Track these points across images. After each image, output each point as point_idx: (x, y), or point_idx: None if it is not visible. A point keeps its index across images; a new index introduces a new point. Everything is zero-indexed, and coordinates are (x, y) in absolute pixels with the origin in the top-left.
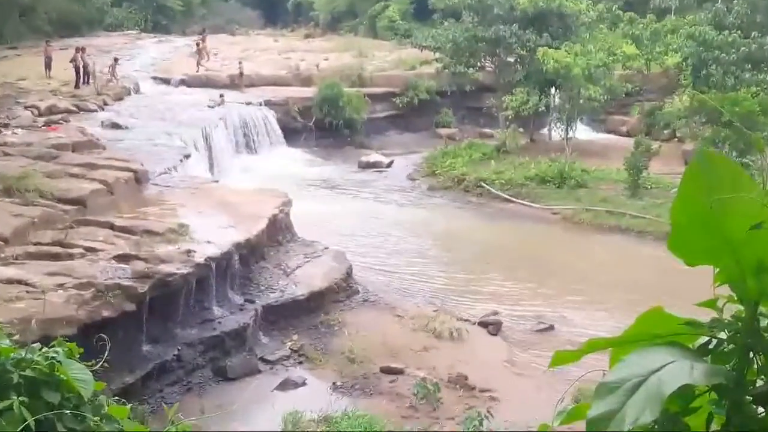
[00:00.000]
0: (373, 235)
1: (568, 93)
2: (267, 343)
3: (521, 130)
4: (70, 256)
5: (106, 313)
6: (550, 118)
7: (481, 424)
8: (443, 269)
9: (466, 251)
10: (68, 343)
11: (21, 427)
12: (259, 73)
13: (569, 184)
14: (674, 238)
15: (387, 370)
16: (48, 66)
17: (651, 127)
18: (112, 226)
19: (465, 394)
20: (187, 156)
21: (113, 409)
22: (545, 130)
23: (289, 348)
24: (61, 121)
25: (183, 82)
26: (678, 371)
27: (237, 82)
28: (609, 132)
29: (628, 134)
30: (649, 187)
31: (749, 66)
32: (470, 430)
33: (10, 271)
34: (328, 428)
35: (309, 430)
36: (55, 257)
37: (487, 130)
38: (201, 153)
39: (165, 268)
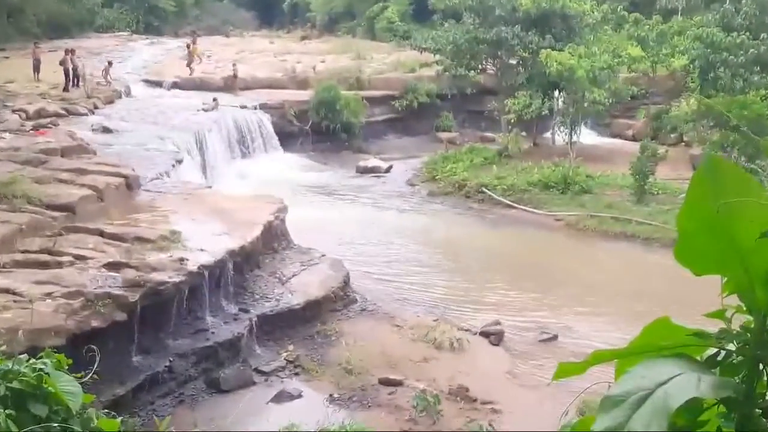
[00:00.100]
0: (371, 243)
1: (572, 96)
2: (262, 354)
3: (524, 134)
4: (59, 264)
5: (95, 323)
6: (553, 122)
7: None
8: (443, 277)
9: (467, 259)
10: (56, 354)
11: None
12: (255, 76)
13: (573, 189)
14: (681, 246)
15: (385, 382)
16: (36, 68)
17: (657, 131)
18: (102, 233)
19: (466, 407)
20: (180, 161)
21: (103, 423)
22: (548, 134)
23: (285, 359)
24: (49, 125)
25: (176, 85)
26: (685, 384)
27: (231, 85)
28: (614, 136)
29: (633, 138)
30: (655, 192)
31: (758, 68)
32: None
33: None
34: None
35: None
36: (44, 265)
37: (488, 134)
38: (194, 158)
39: (157, 276)
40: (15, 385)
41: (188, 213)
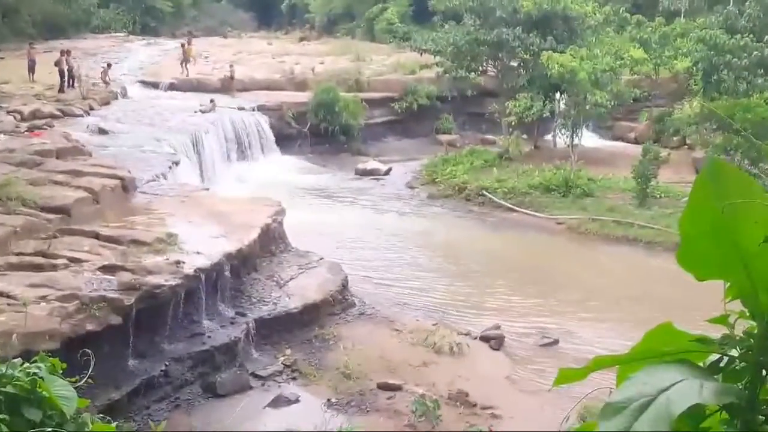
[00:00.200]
0: (370, 246)
1: (574, 98)
2: (259, 358)
3: (525, 136)
4: (54, 267)
5: (90, 327)
6: (554, 125)
7: None
8: (443, 281)
9: (467, 262)
10: (51, 358)
11: None
12: (252, 77)
13: (575, 192)
14: (684, 250)
15: (384, 387)
16: (31, 69)
17: (660, 133)
18: (97, 236)
19: (465, 412)
20: (177, 163)
21: (98, 427)
22: (549, 137)
23: (282, 363)
24: (45, 127)
25: (172, 86)
26: (688, 390)
27: (227, 86)
28: (616, 139)
29: (636, 141)
30: (658, 196)
31: (762, 71)
32: None
33: None
34: None
35: None
36: (38, 268)
37: (489, 137)
38: (191, 160)
39: (152, 279)
40: (9, 389)
41: (185, 215)
